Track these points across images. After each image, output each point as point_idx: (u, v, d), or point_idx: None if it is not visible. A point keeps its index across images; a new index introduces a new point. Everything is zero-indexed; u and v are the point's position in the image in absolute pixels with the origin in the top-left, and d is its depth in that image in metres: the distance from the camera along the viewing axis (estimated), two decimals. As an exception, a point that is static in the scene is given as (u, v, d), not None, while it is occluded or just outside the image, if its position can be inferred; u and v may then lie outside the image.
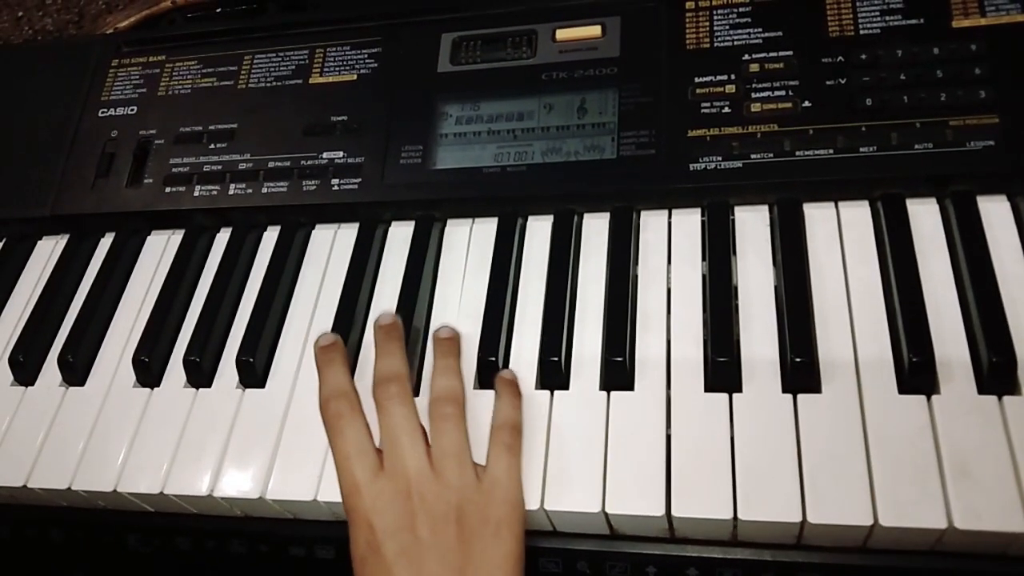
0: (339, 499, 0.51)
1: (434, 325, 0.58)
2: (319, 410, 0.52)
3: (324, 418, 0.52)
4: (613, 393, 0.52)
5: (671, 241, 0.58)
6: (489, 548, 0.45)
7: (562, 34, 0.65)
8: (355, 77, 0.68)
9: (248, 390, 0.58)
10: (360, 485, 0.48)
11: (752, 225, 0.57)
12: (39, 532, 0.62)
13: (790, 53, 0.59)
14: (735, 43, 0.61)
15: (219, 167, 0.67)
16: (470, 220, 0.63)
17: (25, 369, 0.63)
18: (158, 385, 0.60)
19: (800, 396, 0.49)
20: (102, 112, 0.73)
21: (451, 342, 0.55)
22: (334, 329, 0.58)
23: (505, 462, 0.48)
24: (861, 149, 0.55)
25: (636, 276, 0.57)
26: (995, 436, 0.46)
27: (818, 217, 0.56)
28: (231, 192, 0.66)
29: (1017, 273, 0.51)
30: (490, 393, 0.54)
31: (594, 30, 0.64)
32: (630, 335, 0.54)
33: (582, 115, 0.61)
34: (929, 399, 0.48)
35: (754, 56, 0.60)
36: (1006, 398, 0.47)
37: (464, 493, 0.47)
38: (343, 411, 0.51)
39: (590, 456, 0.50)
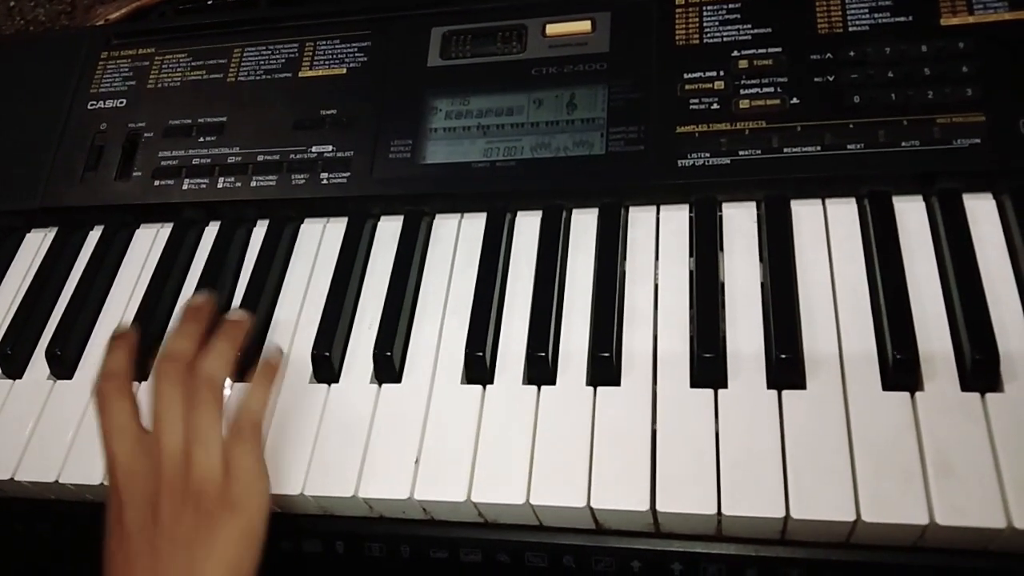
0: (325, 493, 0.52)
1: (420, 318, 0.58)
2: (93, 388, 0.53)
3: (96, 394, 0.52)
4: (600, 388, 0.52)
5: (659, 237, 0.58)
6: (222, 528, 0.47)
7: (552, 29, 0.65)
8: (345, 71, 0.68)
9: (236, 384, 0.58)
10: (116, 459, 0.49)
11: (739, 221, 0.57)
12: (26, 526, 0.62)
13: (779, 50, 0.59)
14: (724, 39, 0.61)
15: (208, 160, 0.67)
16: (459, 215, 0.63)
17: (13, 362, 0.63)
18: (146, 379, 0.60)
19: (785, 392, 0.50)
20: (91, 104, 0.72)
21: (238, 329, 0.54)
22: (320, 324, 0.58)
23: (240, 450, 0.49)
24: (849, 146, 0.55)
25: (624, 272, 0.57)
26: (977, 433, 0.46)
27: (805, 214, 0.57)
28: (220, 185, 0.66)
29: (1002, 271, 0.52)
30: (477, 388, 0.54)
31: (584, 25, 0.64)
32: (617, 331, 0.54)
33: (571, 111, 0.61)
34: (913, 396, 0.48)
35: (743, 52, 0.60)
36: (989, 395, 0.47)
37: (206, 476, 0.48)
38: (110, 391, 0.51)
39: (576, 451, 0.50)
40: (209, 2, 0.81)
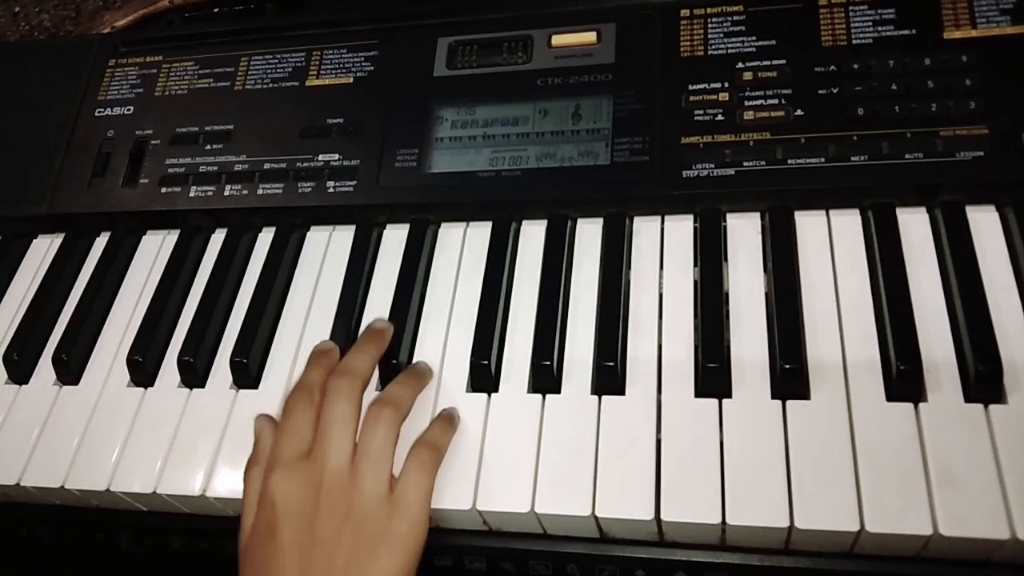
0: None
1: (426, 326, 0.59)
2: (293, 389, 0.53)
3: (291, 396, 0.52)
4: (604, 397, 0.53)
5: (663, 247, 0.58)
6: (379, 559, 0.45)
7: (558, 40, 0.65)
8: (351, 80, 0.68)
9: (241, 391, 0.59)
10: (281, 462, 0.48)
11: (744, 232, 0.58)
12: (31, 531, 0.62)
13: (783, 62, 0.60)
14: (729, 51, 0.61)
15: (215, 168, 0.67)
16: (464, 224, 0.63)
17: (19, 367, 0.63)
18: (152, 385, 0.61)
19: (789, 402, 0.50)
20: (99, 112, 0.73)
21: (421, 373, 0.55)
22: (332, 334, 0.59)
23: (416, 479, 0.48)
24: (852, 158, 0.56)
25: (628, 281, 0.57)
26: (980, 444, 0.46)
27: (809, 225, 0.57)
28: (227, 193, 0.66)
29: (1004, 283, 0.52)
30: (482, 396, 0.54)
31: (589, 36, 0.64)
32: (622, 340, 0.54)
33: (576, 121, 0.62)
34: (916, 407, 0.48)
35: (748, 64, 0.60)
36: (992, 407, 0.48)
37: (371, 499, 0.47)
38: (301, 399, 0.52)
39: (581, 459, 0.50)
40: (216, 10, 0.81)
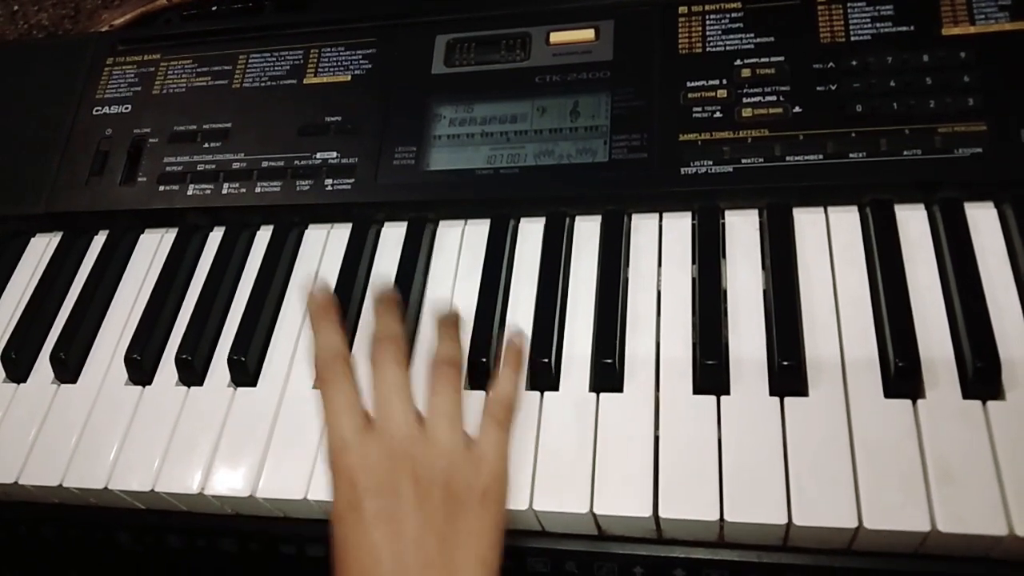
0: (330, 498, 0.52)
1: (425, 326, 0.59)
2: (314, 367, 0.51)
3: (318, 374, 0.51)
4: (602, 395, 0.53)
5: (662, 244, 0.58)
6: (473, 517, 0.45)
7: (556, 37, 0.65)
8: (349, 78, 0.68)
9: (240, 389, 0.59)
10: (347, 441, 0.47)
11: (742, 229, 0.58)
12: (30, 530, 0.62)
13: (782, 59, 0.60)
14: (727, 48, 0.61)
15: (213, 166, 0.67)
16: (462, 221, 0.63)
17: (17, 366, 0.63)
18: (150, 383, 0.61)
19: (787, 399, 0.50)
20: (97, 110, 0.73)
21: (455, 324, 0.54)
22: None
23: (494, 436, 0.48)
24: (851, 155, 0.56)
25: (627, 279, 0.57)
26: (979, 441, 0.46)
27: (807, 222, 0.57)
28: (225, 191, 0.66)
29: (1003, 279, 0.52)
30: (479, 394, 0.54)
31: (587, 34, 0.64)
32: (620, 337, 0.54)
33: (575, 118, 0.62)
34: (914, 403, 0.48)
35: (746, 61, 0.60)
36: (990, 403, 0.48)
37: (453, 458, 0.46)
38: (337, 369, 0.50)
39: (579, 457, 0.50)
40: (214, 8, 0.81)
